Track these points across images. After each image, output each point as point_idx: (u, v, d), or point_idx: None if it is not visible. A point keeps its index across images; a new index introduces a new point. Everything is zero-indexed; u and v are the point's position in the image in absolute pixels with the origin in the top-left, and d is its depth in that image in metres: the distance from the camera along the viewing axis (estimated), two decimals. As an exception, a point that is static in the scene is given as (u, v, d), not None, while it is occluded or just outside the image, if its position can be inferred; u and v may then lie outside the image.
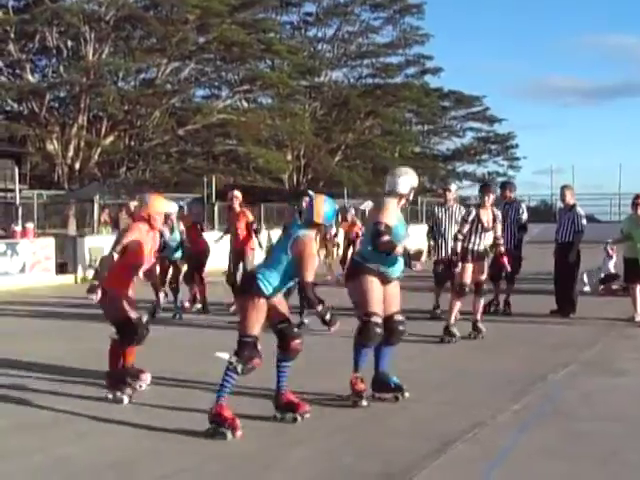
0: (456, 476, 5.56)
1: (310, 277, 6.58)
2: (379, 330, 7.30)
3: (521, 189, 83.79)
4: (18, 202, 25.96)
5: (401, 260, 7.51)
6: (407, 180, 7.73)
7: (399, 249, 7.37)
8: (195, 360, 9.51)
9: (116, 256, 7.56)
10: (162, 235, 13.11)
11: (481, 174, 72.87)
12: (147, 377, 8.10)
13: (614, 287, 16.59)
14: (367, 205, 46.26)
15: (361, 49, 62.06)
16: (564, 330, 11.29)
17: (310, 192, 10.17)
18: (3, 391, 7.97)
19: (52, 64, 47.81)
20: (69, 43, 45.38)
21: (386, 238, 7.32)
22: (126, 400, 7.51)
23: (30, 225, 22.03)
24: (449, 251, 12.50)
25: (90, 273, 21.40)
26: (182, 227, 14.03)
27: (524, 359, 9.61)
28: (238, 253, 14.17)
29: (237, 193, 14.57)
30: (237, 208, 14.30)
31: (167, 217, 12.90)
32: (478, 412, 7.06)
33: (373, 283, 7.39)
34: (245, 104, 53.75)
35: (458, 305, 11.08)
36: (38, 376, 8.71)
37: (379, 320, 7.30)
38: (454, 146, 72.95)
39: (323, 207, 6.88)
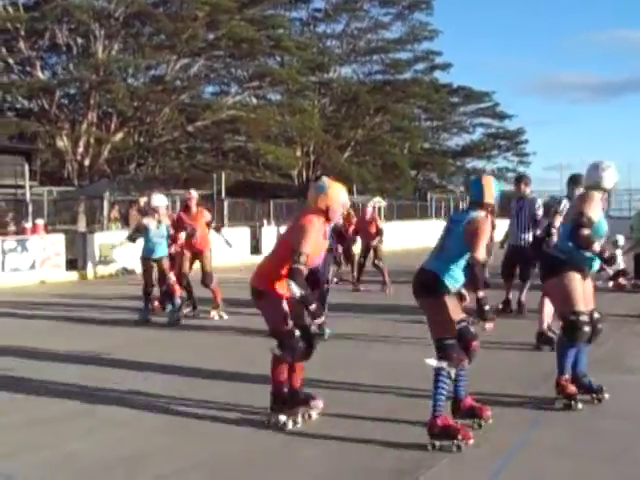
0: (465, 474, 5.56)
1: (482, 255, 6.20)
2: (588, 329, 7.00)
3: (532, 185, 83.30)
4: (28, 199, 26.03)
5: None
6: (611, 174, 7.33)
7: (596, 247, 6.95)
8: (209, 356, 9.52)
9: (304, 259, 6.37)
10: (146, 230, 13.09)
11: (490, 170, 72.81)
12: (319, 404, 6.99)
13: (623, 282, 16.53)
14: (377, 202, 46.35)
15: (370, 45, 61.92)
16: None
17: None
18: (12, 387, 7.99)
19: (62, 61, 47.90)
20: (79, 40, 45.35)
21: (586, 232, 6.91)
22: (290, 425, 6.62)
23: (40, 221, 22.08)
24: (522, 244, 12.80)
25: (100, 269, 21.49)
26: (168, 222, 13.54)
27: (534, 356, 9.59)
28: (196, 253, 13.96)
29: (194, 193, 14.20)
30: (194, 208, 14.06)
31: (155, 211, 13.04)
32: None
33: (577, 281, 7.08)
34: (254, 100, 53.70)
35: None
36: (46, 372, 8.73)
37: (587, 319, 7.01)
38: (463, 142, 72.95)
39: (493, 187, 6.67)
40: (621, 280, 16.58)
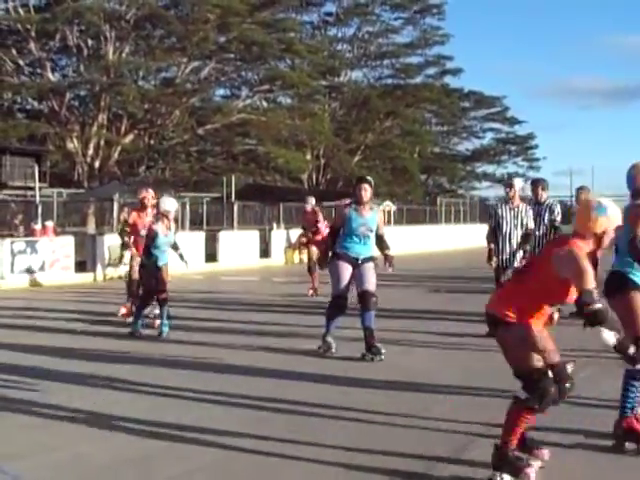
0: (473, 477, 5.47)
1: None
2: None
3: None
4: (38, 200, 26.04)
5: None
6: None
7: None
8: (216, 357, 9.46)
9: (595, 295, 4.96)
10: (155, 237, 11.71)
11: (500, 175, 72.82)
12: (545, 455, 5.66)
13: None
14: (387, 206, 46.33)
15: (381, 49, 62.04)
16: (582, 332, 11.15)
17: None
18: (21, 389, 7.94)
19: (72, 63, 48.08)
20: (89, 42, 45.51)
21: None
22: (533, 476, 5.28)
23: (50, 223, 22.06)
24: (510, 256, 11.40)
25: (109, 271, 21.42)
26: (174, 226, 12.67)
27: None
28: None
29: (151, 192, 13.37)
30: (149, 209, 13.43)
31: (164, 215, 11.88)
32: (495, 414, 6.97)
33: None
34: (265, 104, 53.81)
35: None
36: (55, 374, 8.67)
37: None
38: (473, 147, 72.97)
39: None
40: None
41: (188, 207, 31.24)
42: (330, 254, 9.84)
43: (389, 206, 46.97)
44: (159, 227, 11.85)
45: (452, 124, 69.87)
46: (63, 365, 9.11)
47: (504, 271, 11.29)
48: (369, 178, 10.16)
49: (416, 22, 62.51)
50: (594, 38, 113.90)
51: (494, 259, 11.49)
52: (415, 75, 63.38)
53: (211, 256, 25.19)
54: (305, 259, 18.66)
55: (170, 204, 12.22)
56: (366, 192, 9.70)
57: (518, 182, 12.39)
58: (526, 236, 11.41)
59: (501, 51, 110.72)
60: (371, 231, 9.75)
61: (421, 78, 64.10)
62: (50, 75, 45.31)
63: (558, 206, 12.63)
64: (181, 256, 12.32)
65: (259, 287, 15.51)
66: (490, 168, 73.66)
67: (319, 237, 17.04)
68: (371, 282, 9.67)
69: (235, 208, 32.24)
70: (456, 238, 42.52)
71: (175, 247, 12.22)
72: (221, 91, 55.12)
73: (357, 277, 9.65)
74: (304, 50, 51.10)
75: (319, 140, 52.71)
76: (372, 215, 9.79)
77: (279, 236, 28.83)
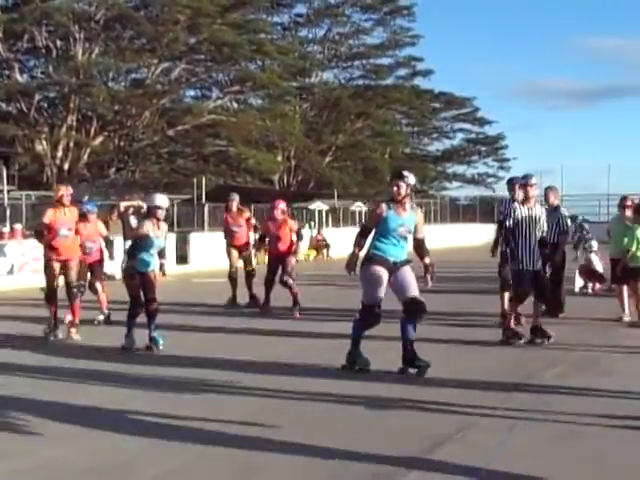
0: (443, 477, 5.49)
1: None
2: None
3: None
4: (6, 203, 25.80)
5: None
6: None
7: None
8: (181, 363, 9.41)
9: None
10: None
11: (471, 175, 73.12)
12: None
13: (602, 288, 16.71)
14: (357, 207, 46.36)
15: (352, 50, 62.20)
16: (553, 330, 11.23)
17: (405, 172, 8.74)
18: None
19: (41, 64, 47.72)
20: (58, 43, 45.21)
21: None
22: None
23: (18, 226, 21.86)
24: (530, 260, 10.62)
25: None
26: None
27: (513, 359, 9.59)
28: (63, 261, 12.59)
29: (70, 189, 11.83)
30: (67, 207, 12.95)
31: (154, 214, 10.50)
32: (467, 413, 7.02)
33: None
34: (235, 105, 53.75)
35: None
36: (23, 379, 8.59)
37: None
38: (444, 147, 73.24)
39: None
40: (600, 287, 16.77)
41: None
42: (358, 257, 8.82)
43: (360, 207, 47.02)
44: (148, 226, 10.49)
45: (422, 125, 70.04)
46: (29, 370, 9.03)
47: (526, 275, 10.60)
48: (405, 173, 8.94)
49: (386, 23, 62.68)
50: (562, 40, 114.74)
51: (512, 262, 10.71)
52: (386, 76, 63.53)
53: (182, 258, 25.11)
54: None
55: (160, 200, 10.77)
56: (400, 189, 8.70)
57: (534, 180, 10.98)
58: (543, 241, 10.80)
59: (471, 52, 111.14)
60: (410, 232, 8.89)
61: (392, 79, 64.31)
62: (18, 76, 44.95)
63: (566, 212, 12.66)
64: (162, 266, 10.97)
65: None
66: (460, 168, 73.97)
67: (244, 241, 15.56)
68: (415, 287, 8.75)
69: (206, 210, 32.17)
70: (428, 238, 42.59)
71: (162, 254, 10.91)
72: (191, 92, 55.01)
73: (396, 283, 8.73)
74: (275, 51, 51.08)
75: (290, 141, 52.71)
76: (411, 215, 8.85)
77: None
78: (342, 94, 58.59)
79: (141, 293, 10.48)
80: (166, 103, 48.73)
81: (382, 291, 8.64)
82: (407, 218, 8.78)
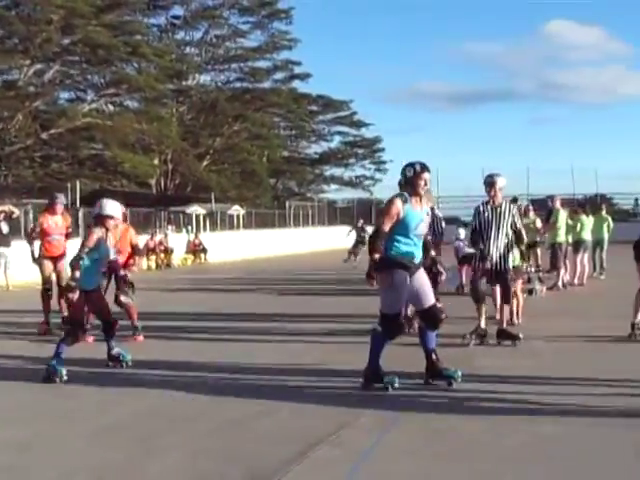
0: (318, 479, 5.62)
1: None
2: None
3: (389, 192, 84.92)
4: None
5: None
6: None
7: None
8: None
9: None
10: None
11: (348, 178, 73.88)
12: None
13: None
14: (236, 210, 46.39)
15: (229, 53, 62.03)
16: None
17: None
18: None
19: None
20: None
21: None
22: None
23: None
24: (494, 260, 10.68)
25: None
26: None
27: (386, 360, 9.72)
28: None
29: None
30: None
31: (103, 223, 9.41)
32: (342, 414, 7.10)
33: None
34: (111, 107, 52.91)
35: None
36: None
37: None
38: (322, 150, 73.77)
39: None
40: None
41: (32, 214, 30.44)
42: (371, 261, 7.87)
43: (238, 210, 47.09)
44: (99, 235, 9.21)
45: (300, 128, 70.39)
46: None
47: (494, 274, 10.76)
48: (428, 165, 8.18)
49: (264, 26, 62.77)
50: (438, 44, 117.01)
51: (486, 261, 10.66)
52: (263, 79, 63.63)
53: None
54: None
55: (112, 208, 9.45)
56: (426, 182, 8.06)
57: (501, 180, 10.93)
58: (519, 236, 10.79)
59: (350, 56, 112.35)
60: (426, 229, 8.29)
61: (270, 82, 64.45)
62: None
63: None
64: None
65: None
66: (338, 171, 74.65)
67: (62, 251, 12.95)
68: (432, 294, 8.14)
69: (80, 215, 31.64)
70: (305, 241, 43.08)
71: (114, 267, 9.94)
72: (66, 94, 53.83)
73: (412, 290, 7.97)
74: (151, 53, 50.60)
75: (167, 144, 52.24)
76: (425, 210, 8.13)
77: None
78: (219, 97, 58.44)
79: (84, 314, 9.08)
80: (39, 105, 47.58)
81: (405, 298, 8.05)
82: (422, 214, 8.04)
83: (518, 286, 12.48)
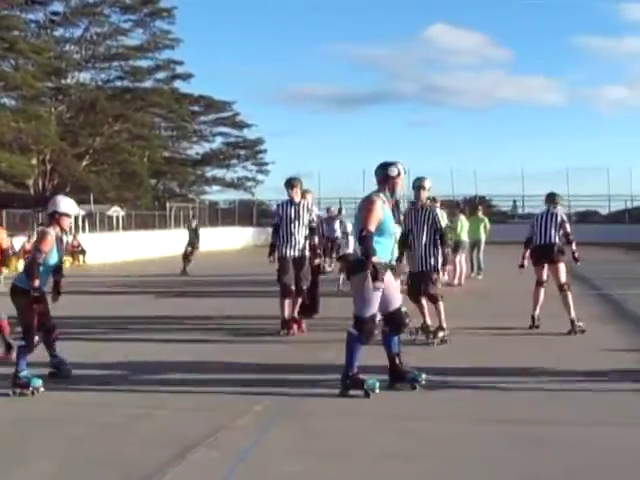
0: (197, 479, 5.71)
1: None
2: None
3: (271, 193, 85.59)
4: None
5: None
6: None
7: None
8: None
9: None
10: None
11: (230, 179, 73.64)
12: None
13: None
14: (114, 211, 45.77)
15: (110, 51, 60.98)
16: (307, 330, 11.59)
17: None
18: None
19: None
20: None
21: None
22: None
23: None
24: (423, 262, 10.96)
25: None
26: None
27: (261, 360, 9.85)
28: None
29: None
30: None
31: (57, 221, 8.76)
32: (219, 415, 7.21)
33: None
34: (-13, 105, 51.51)
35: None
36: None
37: None
38: (203, 151, 73.36)
39: None
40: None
41: None
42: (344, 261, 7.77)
43: (117, 212, 46.49)
44: (53, 236, 8.56)
45: (182, 128, 69.79)
46: None
47: (419, 276, 11.02)
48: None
49: (146, 25, 61.92)
50: (324, 46, 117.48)
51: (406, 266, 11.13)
52: (144, 79, 62.79)
53: None
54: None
55: (67, 205, 8.82)
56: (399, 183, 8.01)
57: (428, 183, 11.39)
58: (442, 239, 11.03)
59: (233, 57, 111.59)
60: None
61: (151, 82, 63.61)
62: None
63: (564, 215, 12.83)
64: (58, 284, 8.96)
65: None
66: (220, 172, 74.25)
67: None
68: (399, 298, 8.14)
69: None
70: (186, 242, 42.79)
71: (59, 272, 8.94)
72: (-62, 91, 52.18)
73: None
74: (28, 50, 49.46)
75: (45, 144, 51.10)
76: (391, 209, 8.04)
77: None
78: (99, 96, 57.43)
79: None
80: None
81: (378, 300, 7.82)
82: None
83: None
